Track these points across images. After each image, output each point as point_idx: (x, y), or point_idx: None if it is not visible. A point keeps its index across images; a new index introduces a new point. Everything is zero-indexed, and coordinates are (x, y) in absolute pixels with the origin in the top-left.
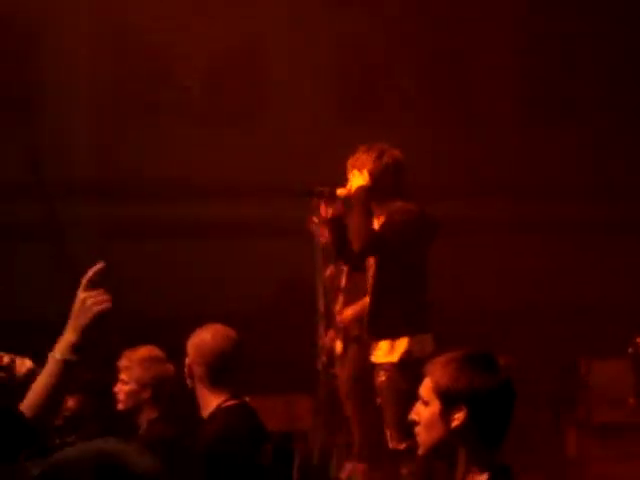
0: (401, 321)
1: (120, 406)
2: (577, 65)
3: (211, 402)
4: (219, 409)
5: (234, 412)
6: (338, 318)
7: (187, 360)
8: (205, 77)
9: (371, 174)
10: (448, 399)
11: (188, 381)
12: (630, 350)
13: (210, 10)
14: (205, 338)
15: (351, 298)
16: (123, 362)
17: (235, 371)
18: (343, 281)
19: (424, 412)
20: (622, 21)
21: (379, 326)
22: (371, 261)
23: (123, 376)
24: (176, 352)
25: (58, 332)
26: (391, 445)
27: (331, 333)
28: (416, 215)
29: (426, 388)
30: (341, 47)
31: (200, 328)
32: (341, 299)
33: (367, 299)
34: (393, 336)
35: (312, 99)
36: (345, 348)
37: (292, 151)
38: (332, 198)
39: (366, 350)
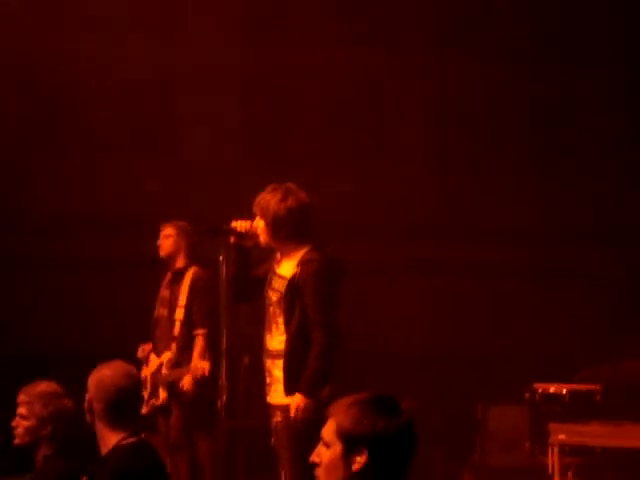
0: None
1: (17, 441)
2: None
3: (110, 439)
4: (118, 446)
5: (133, 450)
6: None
7: (87, 396)
8: (113, 108)
9: (272, 216)
10: (350, 441)
11: (88, 417)
12: (527, 395)
13: (121, 41)
14: (105, 375)
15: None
16: (22, 397)
17: (134, 408)
18: (176, 330)
19: (325, 454)
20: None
21: (295, 383)
22: (274, 299)
23: (22, 411)
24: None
25: None
26: None
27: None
28: (325, 270)
29: (329, 430)
30: (252, 80)
31: (101, 364)
32: (173, 349)
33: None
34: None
35: (220, 134)
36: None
37: (200, 185)
38: (240, 235)
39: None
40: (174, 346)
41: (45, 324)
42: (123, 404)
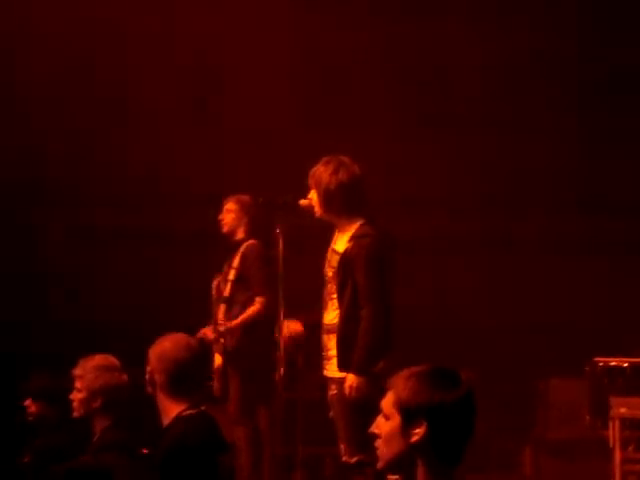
0: None
1: (75, 414)
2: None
3: (171, 410)
4: (178, 417)
5: (193, 421)
6: (220, 328)
7: (148, 368)
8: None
9: (327, 189)
10: (408, 414)
11: (149, 388)
12: (587, 369)
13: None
14: (166, 347)
15: (235, 308)
16: (77, 370)
17: (195, 380)
18: (227, 291)
19: (384, 426)
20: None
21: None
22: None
23: (77, 384)
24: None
25: None
26: (344, 458)
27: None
28: (376, 245)
29: (388, 402)
30: (306, 51)
31: (162, 337)
32: (222, 309)
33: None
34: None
35: (271, 105)
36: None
37: (252, 158)
38: (294, 208)
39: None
40: (223, 306)
41: (112, 294)
42: (184, 376)
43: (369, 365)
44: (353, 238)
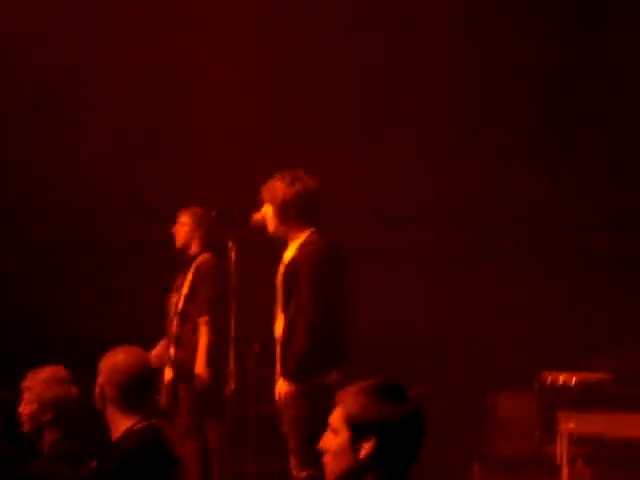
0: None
1: (25, 427)
2: None
3: (121, 424)
4: (130, 431)
5: (144, 435)
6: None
7: (99, 380)
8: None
9: (280, 201)
10: (357, 428)
11: (99, 402)
12: (536, 384)
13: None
14: (118, 360)
15: (188, 323)
16: (26, 382)
17: (147, 394)
18: (180, 304)
19: (333, 441)
20: None
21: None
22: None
23: (26, 396)
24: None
25: None
26: (293, 472)
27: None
28: (323, 254)
29: (336, 417)
30: (274, 63)
31: (113, 349)
32: (176, 323)
33: (203, 339)
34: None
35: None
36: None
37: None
38: (244, 223)
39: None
40: (176, 319)
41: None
42: (136, 389)
43: (300, 372)
44: (300, 246)
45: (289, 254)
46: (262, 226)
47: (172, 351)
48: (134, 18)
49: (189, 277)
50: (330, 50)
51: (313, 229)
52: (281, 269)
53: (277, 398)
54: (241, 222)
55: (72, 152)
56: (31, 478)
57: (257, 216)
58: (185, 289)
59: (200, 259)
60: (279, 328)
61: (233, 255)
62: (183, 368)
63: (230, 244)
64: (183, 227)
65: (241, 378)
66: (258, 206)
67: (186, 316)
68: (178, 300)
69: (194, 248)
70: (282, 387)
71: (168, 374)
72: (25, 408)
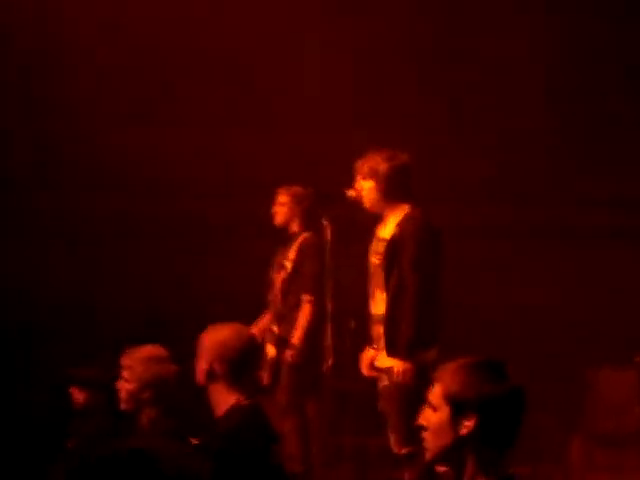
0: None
1: (123, 405)
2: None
3: (227, 400)
4: (234, 408)
5: (248, 412)
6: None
7: (206, 357)
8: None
9: (381, 176)
10: (458, 406)
11: (204, 379)
12: (637, 359)
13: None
14: (227, 335)
15: (290, 299)
16: (126, 360)
17: (254, 370)
18: (284, 281)
19: (432, 418)
20: None
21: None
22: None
23: (125, 374)
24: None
25: None
26: (394, 450)
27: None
28: (425, 228)
29: (435, 394)
30: (355, 51)
31: (215, 326)
32: (279, 299)
33: (305, 315)
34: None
35: (322, 101)
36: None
37: (300, 152)
38: (340, 200)
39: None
40: (279, 300)
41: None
42: (245, 364)
43: (414, 351)
44: (401, 222)
45: (388, 230)
46: (357, 202)
47: (276, 328)
48: None
49: (291, 255)
50: (425, 23)
51: (412, 204)
52: (378, 246)
53: (394, 378)
54: (337, 199)
55: None
56: (142, 452)
57: (352, 192)
58: (289, 267)
59: (302, 238)
60: (380, 306)
61: (329, 233)
62: (287, 345)
63: (325, 222)
64: (283, 207)
65: (338, 354)
66: (350, 184)
67: (290, 294)
68: (280, 277)
69: (294, 227)
70: (398, 366)
71: (271, 351)
72: (124, 386)
